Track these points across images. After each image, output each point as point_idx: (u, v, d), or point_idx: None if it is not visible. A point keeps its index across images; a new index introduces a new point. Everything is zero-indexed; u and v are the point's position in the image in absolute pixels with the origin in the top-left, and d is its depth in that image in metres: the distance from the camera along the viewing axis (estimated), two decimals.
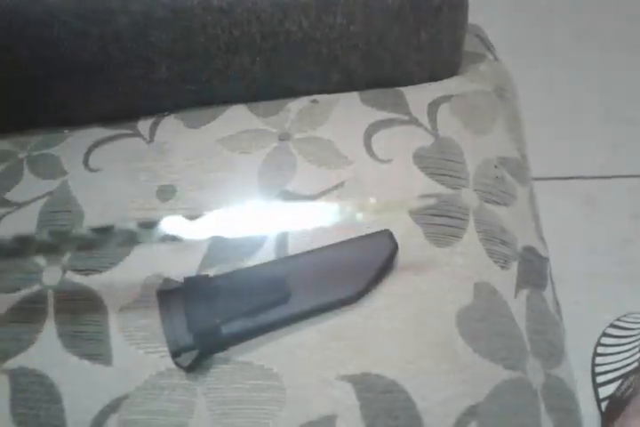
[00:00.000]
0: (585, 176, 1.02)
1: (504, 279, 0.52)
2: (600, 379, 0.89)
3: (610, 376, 0.88)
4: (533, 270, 0.55)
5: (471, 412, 0.46)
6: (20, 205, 0.52)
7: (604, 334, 0.92)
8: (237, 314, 0.46)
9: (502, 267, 0.52)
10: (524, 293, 0.53)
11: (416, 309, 0.49)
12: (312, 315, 0.47)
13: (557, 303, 0.58)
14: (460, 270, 0.51)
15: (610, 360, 0.90)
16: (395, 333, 0.48)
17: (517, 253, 0.54)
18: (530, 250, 0.56)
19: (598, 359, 0.91)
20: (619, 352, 0.90)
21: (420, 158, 0.54)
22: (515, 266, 0.53)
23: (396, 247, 0.49)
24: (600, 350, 0.91)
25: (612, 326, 0.92)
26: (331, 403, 0.45)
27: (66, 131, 0.55)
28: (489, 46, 0.65)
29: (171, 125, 0.55)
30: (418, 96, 0.57)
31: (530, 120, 0.68)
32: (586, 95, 1.08)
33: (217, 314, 0.45)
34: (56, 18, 0.45)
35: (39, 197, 0.52)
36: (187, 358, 0.45)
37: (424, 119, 0.56)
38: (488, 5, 0.89)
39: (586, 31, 1.13)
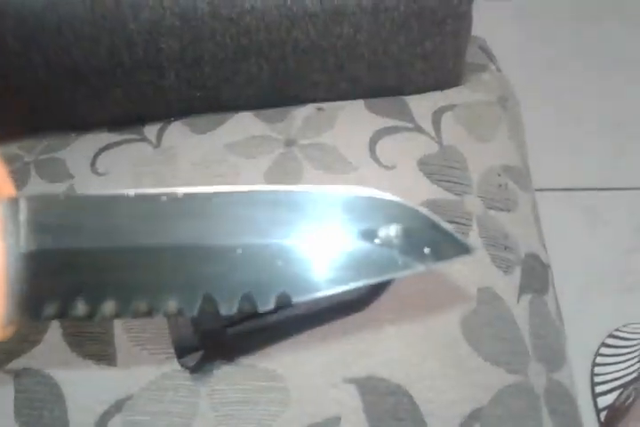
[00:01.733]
0: (586, 188, 1.03)
1: (507, 284, 0.52)
2: (599, 389, 0.89)
3: (609, 386, 0.89)
4: (535, 276, 0.55)
5: (475, 415, 0.46)
6: None
7: (603, 344, 0.92)
8: (242, 316, 0.46)
9: (505, 272, 0.53)
10: (527, 298, 0.53)
11: (421, 312, 0.49)
12: (318, 318, 0.48)
13: (559, 309, 0.59)
14: (464, 275, 0.51)
15: (609, 370, 0.90)
16: (400, 336, 0.48)
17: (520, 258, 0.55)
18: (532, 256, 0.56)
19: (597, 369, 0.91)
20: (618, 362, 0.90)
21: (425, 165, 0.55)
22: (517, 271, 0.54)
23: None
24: (599, 359, 0.91)
25: (612, 336, 0.92)
26: (335, 405, 0.45)
27: (73, 135, 0.56)
28: (491, 57, 0.66)
29: (177, 131, 0.56)
30: (422, 105, 0.58)
31: (531, 132, 0.69)
32: (587, 108, 1.09)
33: (222, 316, 0.46)
34: (69, 25, 0.46)
35: None
36: (191, 359, 0.45)
37: (428, 127, 0.56)
38: (491, 19, 0.91)
39: (587, 44, 1.14)
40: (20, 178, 0.54)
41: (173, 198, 0.23)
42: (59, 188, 0.53)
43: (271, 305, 0.23)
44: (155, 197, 0.23)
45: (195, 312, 0.23)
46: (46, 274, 0.21)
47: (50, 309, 0.21)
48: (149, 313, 0.22)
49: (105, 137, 0.55)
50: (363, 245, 0.24)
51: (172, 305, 0.22)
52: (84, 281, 0.22)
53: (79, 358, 0.46)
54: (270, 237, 0.23)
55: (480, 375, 0.48)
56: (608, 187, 1.03)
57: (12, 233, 0.21)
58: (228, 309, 0.23)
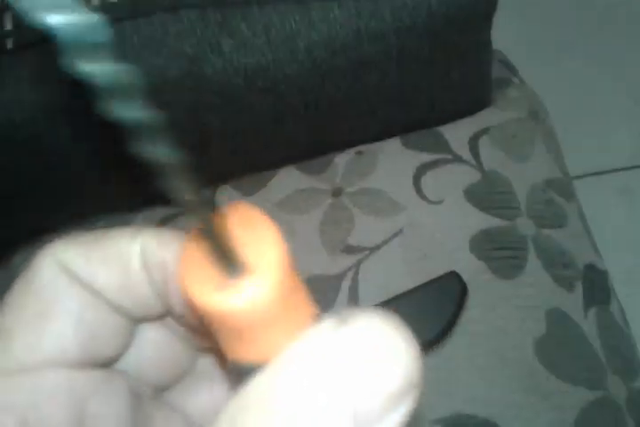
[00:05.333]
0: (617, 168, 1.02)
1: (572, 302, 0.54)
2: None
3: None
4: (597, 287, 0.56)
5: None
6: None
7: None
8: None
9: (568, 290, 0.54)
10: (593, 311, 0.54)
11: (494, 344, 0.50)
12: None
13: (624, 315, 0.60)
14: (529, 300, 0.52)
15: None
16: (478, 371, 0.49)
17: (580, 273, 0.56)
18: (590, 267, 0.57)
19: None
20: None
21: (471, 195, 0.56)
22: (579, 286, 0.55)
23: (465, 287, 0.51)
24: None
25: None
26: None
27: (130, 214, 0.58)
28: (512, 70, 0.67)
29: (227, 196, 0.57)
30: (456, 133, 0.59)
31: (554, 120, 0.69)
32: (606, 89, 1.08)
33: None
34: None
35: None
36: None
37: (467, 155, 0.57)
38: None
39: (599, 25, 1.13)
40: None
41: None
42: None
43: None
44: None
45: None
46: None
47: None
48: None
49: (161, 211, 0.57)
50: None
51: None
52: None
53: None
54: None
55: (562, 397, 0.50)
56: (638, 164, 1.03)
57: None
58: None
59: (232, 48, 0.45)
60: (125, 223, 0.57)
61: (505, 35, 0.71)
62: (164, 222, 0.56)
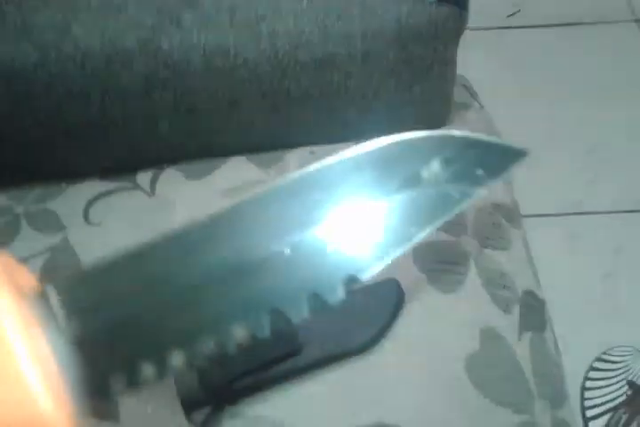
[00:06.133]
0: (564, 213, 1.05)
1: (507, 323, 0.53)
2: (590, 413, 0.90)
3: (600, 410, 0.89)
4: (534, 313, 0.56)
5: None
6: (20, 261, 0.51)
7: (592, 368, 0.93)
8: (250, 368, 0.45)
9: (505, 311, 0.53)
10: (527, 335, 0.54)
11: (426, 357, 0.49)
12: (323, 366, 0.47)
13: (556, 344, 0.59)
14: (465, 316, 0.51)
15: (598, 394, 0.91)
16: (405, 381, 0.48)
17: (518, 297, 0.55)
18: (529, 293, 0.57)
19: (587, 393, 0.92)
20: (607, 385, 0.91)
21: None
22: (516, 310, 0.54)
23: (403, 296, 0.50)
24: (588, 384, 0.92)
25: (599, 359, 0.93)
26: None
27: (64, 184, 0.55)
28: (474, 95, 0.68)
29: (171, 178, 0.55)
30: None
31: None
32: (559, 134, 1.12)
33: (229, 368, 0.45)
34: (60, 82, 0.45)
35: (40, 253, 0.51)
36: (200, 414, 0.44)
37: None
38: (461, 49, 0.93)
39: (557, 74, 1.18)
40: (10, 230, 0.53)
41: (199, 226, 0.22)
42: (51, 239, 0.52)
43: (341, 295, 0.22)
44: (179, 234, 0.22)
45: (267, 332, 0.21)
46: (101, 351, 0.20)
47: (118, 383, 0.20)
48: (222, 348, 0.21)
49: (97, 186, 0.54)
50: (412, 194, 0.22)
51: (241, 333, 0.21)
52: (143, 344, 0.21)
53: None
54: (311, 224, 0.21)
55: (487, 417, 0.49)
56: (585, 211, 1.05)
57: (50, 325, 0.20)
58: (298, 314, 0.21)
59: (193, 22, 0.44)
60: (57, 195, 0.55)
61: (471, 71, 0.73)
62: (96, 198, 0.54)
